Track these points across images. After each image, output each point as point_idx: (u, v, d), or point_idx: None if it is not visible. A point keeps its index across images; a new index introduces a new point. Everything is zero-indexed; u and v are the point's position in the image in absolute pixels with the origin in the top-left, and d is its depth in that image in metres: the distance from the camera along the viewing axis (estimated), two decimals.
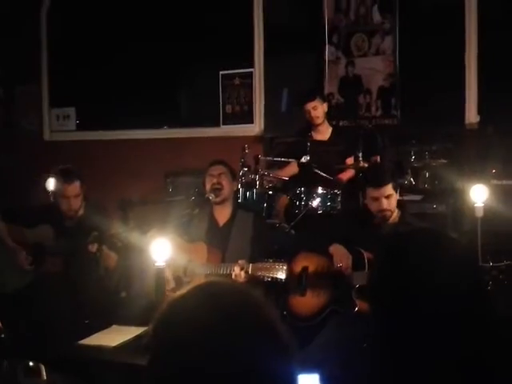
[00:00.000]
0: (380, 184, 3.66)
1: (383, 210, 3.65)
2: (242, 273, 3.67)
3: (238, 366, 1.08)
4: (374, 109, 6.16)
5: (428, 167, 5.24)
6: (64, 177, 4.23)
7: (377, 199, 3.65)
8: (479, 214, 3.51)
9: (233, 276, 3.67)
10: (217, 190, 4.10)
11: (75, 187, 4.21)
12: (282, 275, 3.62)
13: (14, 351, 2.70)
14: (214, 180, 4.12)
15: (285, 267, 3.63)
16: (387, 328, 1.43)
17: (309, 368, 1.67)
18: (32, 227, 4.22)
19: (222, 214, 4.19)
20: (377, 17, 6.13)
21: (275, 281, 3.64)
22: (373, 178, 3.82)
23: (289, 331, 1.16)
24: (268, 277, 3.64)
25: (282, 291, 3.75)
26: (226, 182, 4.13)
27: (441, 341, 1.34)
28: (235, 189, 4.44)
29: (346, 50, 6.27)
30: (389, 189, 3.65)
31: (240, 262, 3.72)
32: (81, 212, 4.30)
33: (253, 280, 3.64)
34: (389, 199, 3.65)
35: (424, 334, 1.35)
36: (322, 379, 1.70)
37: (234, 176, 4.28)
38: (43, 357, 2.64)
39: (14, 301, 3.98)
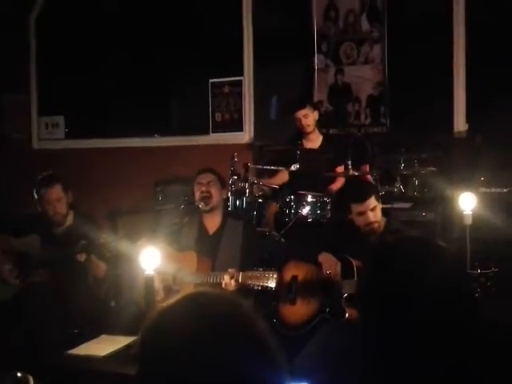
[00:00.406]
0: (363, 198, 3.66)
1: (371, 223, 3.66)
2: (232, 281, 3.66)
3: (224, 376, 1.08)
4: (363, 117, 6.18)
5: (417, 175, 5.25)
6: (44, 182, 4.24)
7: (362, 213, 3.66)
8: (468, 221, 3.53)
9: (223, 285, 3.67)
10: (205, 198, 4.09)
11: (56, 190, 4.21)
12: (272, 284, 3.61)
13: (2, 362, 2.68)
14: (203, 188, 4.11)
15: (275, 276, 3.63)
16: (376, 335, 1.43)
17: (299, 377, 1.67)
18: (19, 236, 4.19)
19: (212, 223, 4.18)
20: (365, 25, 6.17)
21: (265, 289, 3.63)
22: (355, 193, 3.82)
23: (278, 342, 1.15)
24: (258, 285, 3.64)
25: (271, 300, 3.75)
26: (214, 190, 4.12)
27: (429, 347, 1.34)
28: (225, 197, 4.43)
29: (335, 59, 6.29)
30: (372, 201, 3.66)
31: (230, 270, 3.71)
32: (69, 221, 4.29)
33: (243, 288, 3.64)
34: (374, 211, 3.66)
35: (413, 341, 1.35)
36: None
37: (223, 184, 4.27)
38: (32, 367, 2.62)
39: (1, 311, 3.95)
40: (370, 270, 1.50)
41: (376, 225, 3.67)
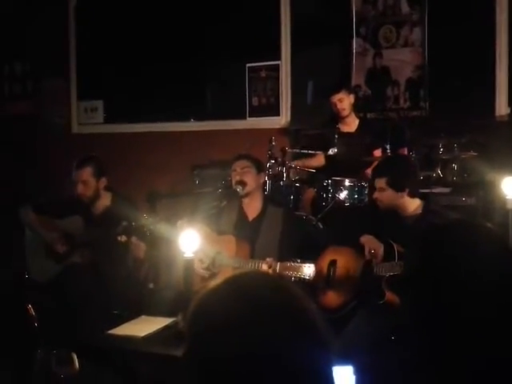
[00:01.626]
0: (376, 175, 3.78)
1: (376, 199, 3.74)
2: (270, 271, 3.65)
3: (272, 357, 1.07)
4: (402, 101, 6.10)
5: (457, 160, 5.17)
6: (77, 163, 4.27)
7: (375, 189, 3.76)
8: (511, 206, 3.48)
9: None
10: (241, 184, 4.06)
11: (84, 173, 4.22)
12: (309, 275, 3.60)
13: (47, 340, 2.74)
14: (238, 177, 4.07)
15: (313, 268, 3.61)
16: (422, 319, 1.42)
17: (340, 360, 1.67)
18: (62, 218, 4.27)
19: (252, 208, 4.14)
20: (405, 8, 6.07)
21: (302, 280, 3.62)
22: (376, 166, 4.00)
23: (326, 323, 1.15)
24: (296, 276, 3.62)
25: (310, 288, 3.73)
26: (250, 177, 4.07)
27: (481, 332, 1.33)
28: (262, 181, 4.38)
29: (373, 42, 6.21)
30: (380, 182, 3.67)
31: (268, 259, 3.68)
32: (107, 203, 4.32)
33: None
34: (380, 192, 3.69)
35: (465, 326, 1.34)
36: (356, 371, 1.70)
37: (260, 168, 4.19)
38: (73, 346, 2.66)
39: (45, 290, 4.04)
40: (419, 253, 1.49)
41: (380, 203, 3.72)
